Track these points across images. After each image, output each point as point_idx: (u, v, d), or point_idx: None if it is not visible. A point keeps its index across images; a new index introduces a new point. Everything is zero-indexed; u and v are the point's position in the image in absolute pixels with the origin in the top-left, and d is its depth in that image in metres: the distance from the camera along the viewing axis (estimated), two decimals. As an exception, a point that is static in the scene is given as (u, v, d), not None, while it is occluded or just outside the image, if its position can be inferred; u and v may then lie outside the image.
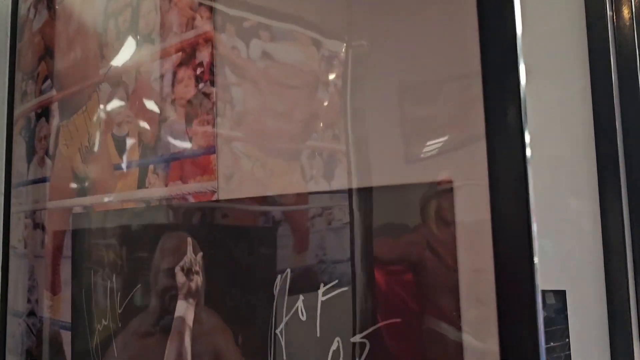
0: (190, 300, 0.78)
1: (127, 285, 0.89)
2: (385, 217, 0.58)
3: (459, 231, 0.51)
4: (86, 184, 1.01)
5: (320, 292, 0.64)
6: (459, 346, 0.51)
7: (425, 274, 0.54)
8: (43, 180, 1.14)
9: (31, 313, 1.13)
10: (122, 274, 0.90)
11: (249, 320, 0.71)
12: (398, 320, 0.57)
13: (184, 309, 0.79)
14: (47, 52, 1.17)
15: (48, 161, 1.13)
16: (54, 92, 1.13)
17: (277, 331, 0.67)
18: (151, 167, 0.86)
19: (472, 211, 0.50)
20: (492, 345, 0.48)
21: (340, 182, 0.62)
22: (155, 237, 0.85)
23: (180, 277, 0.80)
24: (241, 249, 0.73)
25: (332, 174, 0.62)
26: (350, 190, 0.60)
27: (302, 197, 0.65)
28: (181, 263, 0.80)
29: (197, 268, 0.78)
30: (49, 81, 1.16)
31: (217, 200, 0.75)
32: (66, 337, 1.03)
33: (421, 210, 0.55)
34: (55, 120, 1.11)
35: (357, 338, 0.60)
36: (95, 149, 0.99)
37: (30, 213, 1.17)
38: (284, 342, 0.67)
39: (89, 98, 1.01)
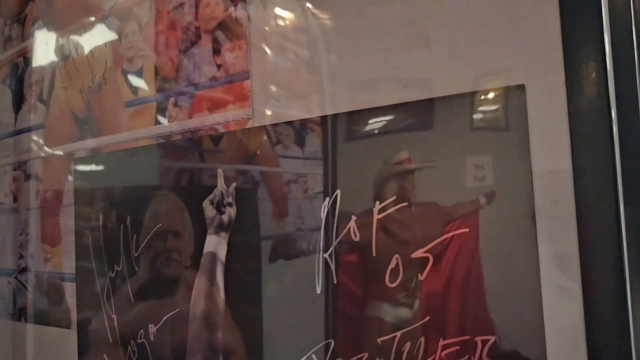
0: (222, 234, 0.75)
1: (144, 227, 0.85)
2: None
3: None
4: (91, 126, 0.95)
5: (375, 209, 0.62)
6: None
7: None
8: (35, 128, 1.06)
9: (24, 269, 1.06)
10: (137, 215, 0.85)
11: (292, 247, 0.68)
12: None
13: (215, 244, 0.76)
14: (36, -8, 1.09)
15: (41, 107, 1.06)
16: (46, 34, 1.05)
17: (326, 255, 0.65)
18: (172, 100, 0.82)
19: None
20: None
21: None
22: (177, 173, 0.81)
23: (210, 211, 0.77)
24: (277, 174, 0.70)
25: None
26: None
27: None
28: (210, 196, 0.77)
29: (230, 199, 0.74)
30: (39, 22, 1.08)
31: (253, 128, 0.72)
32: (69, 288, 0.97)
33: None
34: (50, 64, 1.04)
35: (419, 253, 0.59)
36: (102, 88, 0.93)
37: (19, 164, 1.10)
38: (333, 266, 0.65)
39: (92, 36, 0.95)
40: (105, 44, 0.93)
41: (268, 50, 0.72)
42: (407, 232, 0.60)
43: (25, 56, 1.11)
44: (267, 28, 0.72)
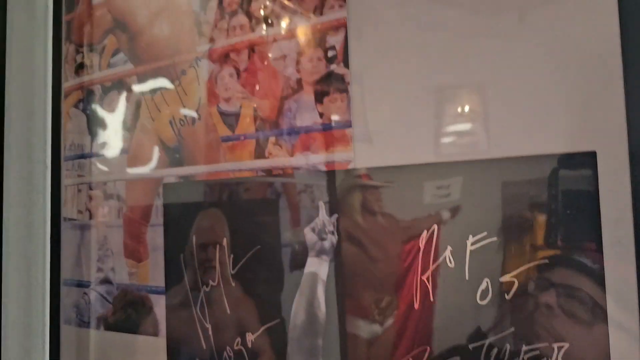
0: (324, 257, 0.88)
1: (242, 248, 0.97)
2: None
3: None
4: (182, 155, 1.06)
5: (469, 242, 0.77)
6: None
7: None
8: (116, 152, 1.16)
9: (104, 281, 1.16)
10: (236, 238, 0.98)
11: (391, 270, 0.82)
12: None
13: (317, 265, 0.89)
14: (117, 26, 1.19)
15: (124, 133, 1.16)
16: (129, 66, 1.16)
17: (424, 277, 0.80)
18: (272, 139, 0.95)
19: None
20: None
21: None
22: (277, 202, 0.94)
23: (311, 237, 0.90)
24: (373, 210, 0.84)
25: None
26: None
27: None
28: (312, 225, 0.90)
29: (332, 228, 0.88)
30: (120, 55, 1.18)
31: (353, 169, 0.86)
32: (156, 300, 1.08)
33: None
34: (133, 94, 1.14)
35: (506, 277, 0.75)
36: (195, 122, 1.04)
37: (97, 184, 1.19)
38: (430, 286, 0.80)
39: (184, 73, 1.06)
40: (199, 83, 1.04)
41: (369, 103, 0.86)
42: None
43: (103, 84, 1.20)
44: (368, 84, 0.86)
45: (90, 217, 1.21)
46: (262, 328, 0.94)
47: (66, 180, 1.27)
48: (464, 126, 0.79)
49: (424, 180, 0.80)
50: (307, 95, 0.91)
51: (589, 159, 0.70)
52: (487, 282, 0.76)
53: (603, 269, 0.68)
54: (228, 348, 0.98)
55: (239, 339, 0.97)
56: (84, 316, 1.19)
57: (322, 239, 0.89)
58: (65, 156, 1.28)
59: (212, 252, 1.00)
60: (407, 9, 0.83)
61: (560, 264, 0.71)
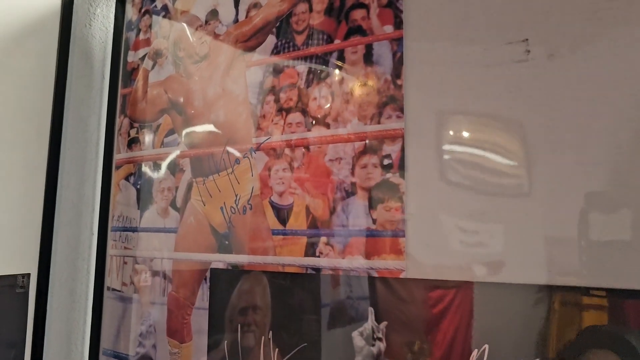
0: (370, 360, 0.89)
1: (287, 342, 0.98)
2: None
3: None
4: (232, 242, 1.08)
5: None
6: None
7: None
8: (165, 230, 1.19)
9: (145, 357, 1.18)
10: (282, 331, 0.99)
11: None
12: None
13: (364, 369, 0.90)
14: (172, 106, 1.24)
15: (174, 213, 1.19)
16: (182, 148, 1.20)
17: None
18: (323, 238, 0.97)
19: None
20: None
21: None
22: (326, 302, 0.95)
23: (359, 341, 0.91)
24: (429, 321, 0.85)
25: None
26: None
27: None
28: (360, 329, 0.91)
29: (380, 335, 0.89)
30: (174, 135, 1.22)
31: (406, 279, 0.87)
32: (198, 383, 1.09)
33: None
34: (185, 175, 1.18)
35: None
36: (247, 211, 1.07)
37: (144, 259, 1.22)
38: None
39: (238, 162, 1.10)
40: (252, 174, 1.07)
41: (423, 214, 0.87)
42: None
43: (155, 162, 1.24)
44: (422, 193, 0.88)
45: (135, 290, 1.23)
46: None
47: (112, 251, 1.30)
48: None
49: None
50: (361, 201, 0.93)
51: None
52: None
53: None
54: None
55: None
56: (122, 390, 1.21)
57: (371, 345, 0.90)
58: (113, 227, 1.31)
59: (257, 342, 1.02)
60: (461, 127, 0.86)
61: None
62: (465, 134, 0.86)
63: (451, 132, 0.87)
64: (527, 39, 0.82)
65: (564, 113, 0.78)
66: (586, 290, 0.74)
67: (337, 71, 0.99)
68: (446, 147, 0.87)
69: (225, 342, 1.06)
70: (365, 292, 0.92)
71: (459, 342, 0.82)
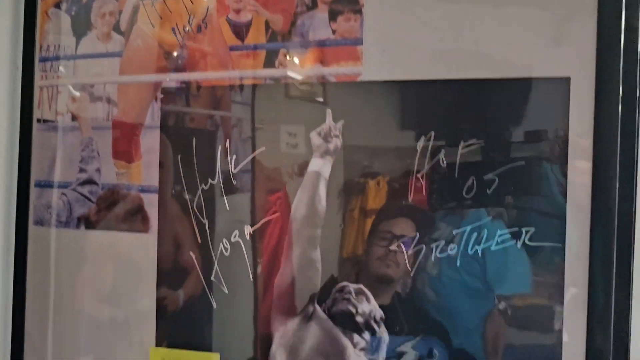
0: (328, 157, 1.00)
1: (245, 148, 1.05)
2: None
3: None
4: (185, 61, 1.10)
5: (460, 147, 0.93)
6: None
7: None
8: (107, 55, 1.17)
9: (87, 182, 1.17)
10: (239, 137, 1.06)
11: (392, 169, 0.96)
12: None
13: (320, 165, 1.00)
14: None
15: (117, 37, 1.17)
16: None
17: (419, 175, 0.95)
18: (282, 50, 1.03)
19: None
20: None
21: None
22: (288, 108, 1.03)
23: (316, 140, 1.01)
24: (383, 119, 0.98)
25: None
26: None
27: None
28: (318, 129, 1.01)
29: (337, 133, 0.99)
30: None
31: (362, 82, 0.98)
32: (148, 199, 1.12)
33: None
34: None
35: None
36: (202, 30, 1.09)
37: (83, 87, 1.19)
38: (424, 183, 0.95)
39: (191, -18, 1.10)
40: (206, -7, 1.09)
41: (382, 21, 0.97)
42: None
43: (92, -14, 1.19)
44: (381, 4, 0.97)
45: (73, 118, 1.21)
46: (261, 222, 1.04)
47: (41, 82, 1.24)
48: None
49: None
50: (321, 14, 1.01)
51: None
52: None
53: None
54: (225, 240, 1.06)
55: (236, 232, 1.05)
56: (62, 216, 1.20)
57: (328, 142, 1.00)
58: (41, 57, 1.25)
59: (212, 151, 1.07)
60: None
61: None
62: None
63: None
64: None
65: None
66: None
67: None
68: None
69: (179, 155, 1.10)
70: (325, 97, 1.01)
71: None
